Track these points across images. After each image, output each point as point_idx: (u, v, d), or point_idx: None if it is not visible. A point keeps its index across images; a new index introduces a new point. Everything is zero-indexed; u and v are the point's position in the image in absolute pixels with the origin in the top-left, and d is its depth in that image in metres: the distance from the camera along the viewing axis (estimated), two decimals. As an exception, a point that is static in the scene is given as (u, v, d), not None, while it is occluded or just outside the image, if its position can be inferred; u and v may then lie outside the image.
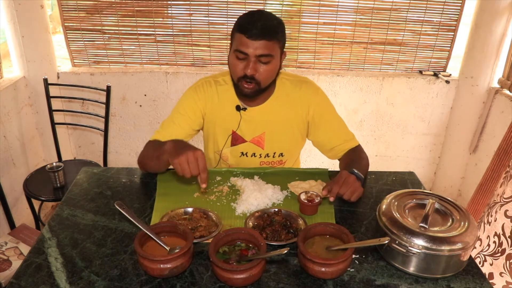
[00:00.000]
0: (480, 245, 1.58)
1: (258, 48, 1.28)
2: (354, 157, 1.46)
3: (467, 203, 2.08)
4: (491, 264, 1.48)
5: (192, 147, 1.21)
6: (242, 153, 1.55)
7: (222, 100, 1.49)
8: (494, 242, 1.49)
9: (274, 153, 1.55)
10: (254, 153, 1.54)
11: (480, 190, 1.99)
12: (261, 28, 1.27)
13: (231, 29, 1.35)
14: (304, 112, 1.50)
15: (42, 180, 2.17)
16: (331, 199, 1.21)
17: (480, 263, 1.54)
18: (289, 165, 1.63)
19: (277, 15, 1.36)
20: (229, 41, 1.40)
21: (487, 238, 1.55)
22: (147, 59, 2.70)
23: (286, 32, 1.38)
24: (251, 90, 1.36)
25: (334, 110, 1.55)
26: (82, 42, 2.64)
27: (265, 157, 1.55)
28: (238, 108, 1.48)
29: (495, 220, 1.52)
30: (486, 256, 1.52)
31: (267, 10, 1.40)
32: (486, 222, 1.58)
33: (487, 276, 1.46)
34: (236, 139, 1.52)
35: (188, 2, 2.51)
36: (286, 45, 1.40)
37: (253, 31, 1.26)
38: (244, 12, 1.35)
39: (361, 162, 1.43)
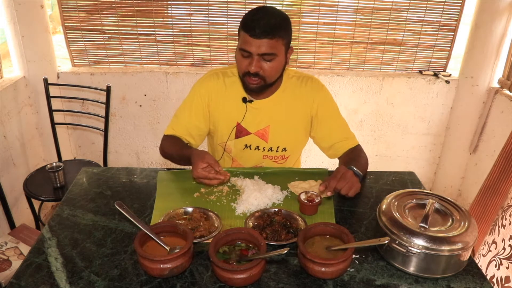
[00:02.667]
0: (495, 249, 1.56)
1: (260, 47, 1.30)
2: (353, 156, 1.46)
3: (471, 205, 2.05)
4: (507, 268, 1.46)
5: (196, 154, 1.30)
6: (246, 145, 1.55)
7: (229, 91, 1.51)
8: (510, 245, 1.47)
9: (278, 147, 1.55)
10: (258, 146, 1.55)
11: (486, 191, 1.95)
12: (263, 26, 1.28)
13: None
14: (309, 107, 1.52)
15: (42, 180, 2.17)
16: (329, 193, 1.20)
17: (496, 266, 1.52)
18: (291, 163, 1.63)
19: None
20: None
21: (502, 242, 1.53)
22: (147, 59, 2.70)
23: None
24: (256, 85, 1.39)
25: (337, 108, 1.57)
26: (82, 42, 2.64)
27: (268, 150, 1.56)
28: (244, 100, 1.49)
29: (509, 223, 1.50)
30: (502, 260, 1.50)
31: (272, 6, 1.40)
32: (500, 225, 1.56)
33: (503, 280, 1.44)
34: (240, 131, 1.53)
35: (188, 2, 2.50)
36: (287, 44, 1.40)
37: (256, 31, 1.28)
38: (245, 12, 1.36)
39: (360, 160, 1.43)
